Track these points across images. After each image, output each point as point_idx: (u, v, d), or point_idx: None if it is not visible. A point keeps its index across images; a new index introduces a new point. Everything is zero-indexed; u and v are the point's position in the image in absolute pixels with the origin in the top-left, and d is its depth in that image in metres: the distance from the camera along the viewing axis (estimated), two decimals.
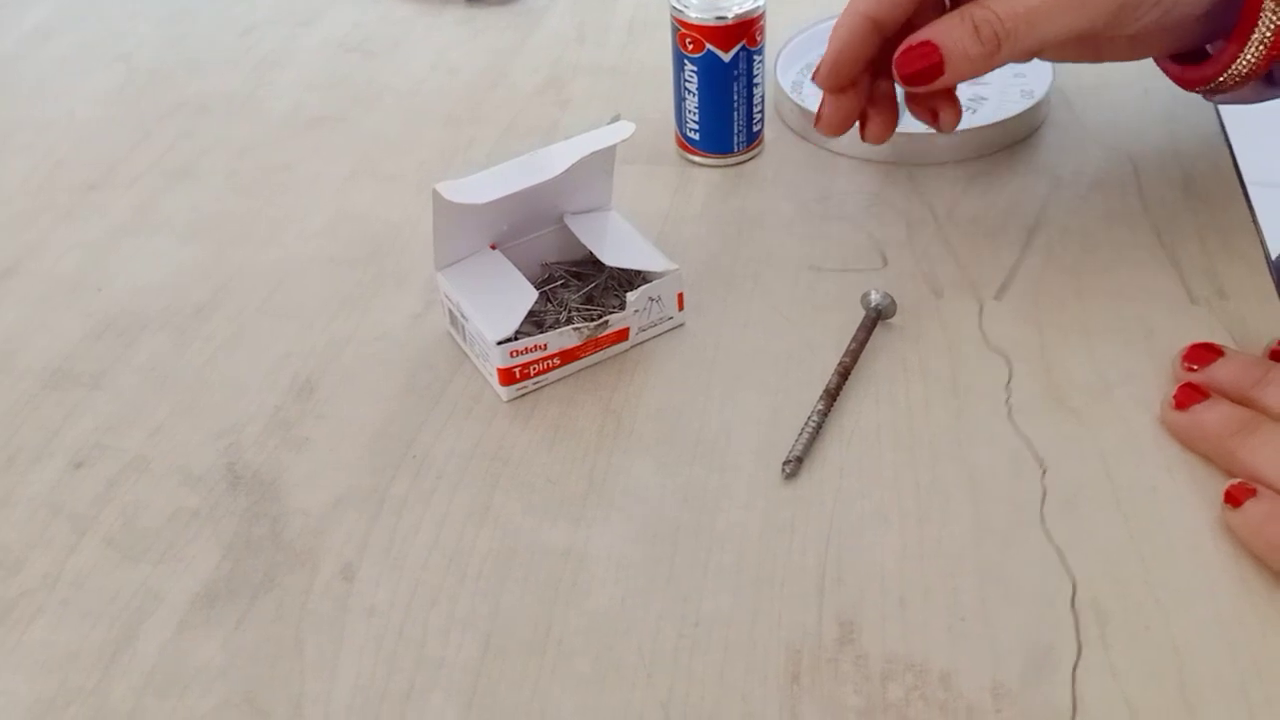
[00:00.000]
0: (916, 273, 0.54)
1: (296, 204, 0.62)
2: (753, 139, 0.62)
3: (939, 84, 0.50)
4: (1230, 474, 0.43)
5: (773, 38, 0.62)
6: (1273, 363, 0.46)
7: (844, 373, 0.48)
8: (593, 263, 0.53)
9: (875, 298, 0.51)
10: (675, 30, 0.58)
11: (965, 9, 0.49)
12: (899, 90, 0.55)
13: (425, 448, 0.47)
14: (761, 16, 0.58)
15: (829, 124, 0.54)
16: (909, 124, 0.56)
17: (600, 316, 0.50)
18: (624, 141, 0.50)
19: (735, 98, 0.60)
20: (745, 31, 0.58)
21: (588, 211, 0.53)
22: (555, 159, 0.49)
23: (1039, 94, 0.62)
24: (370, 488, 0.46)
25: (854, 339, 0.50)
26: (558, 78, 0.71)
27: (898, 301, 0.51)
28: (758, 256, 0.56)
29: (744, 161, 0.62)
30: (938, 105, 0.54)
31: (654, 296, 0.51)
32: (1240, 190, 0.57)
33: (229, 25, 0.79)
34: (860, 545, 0.42)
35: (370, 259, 0.58)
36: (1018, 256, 0.55)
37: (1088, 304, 0.51)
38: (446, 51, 0.75)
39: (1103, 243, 0.55)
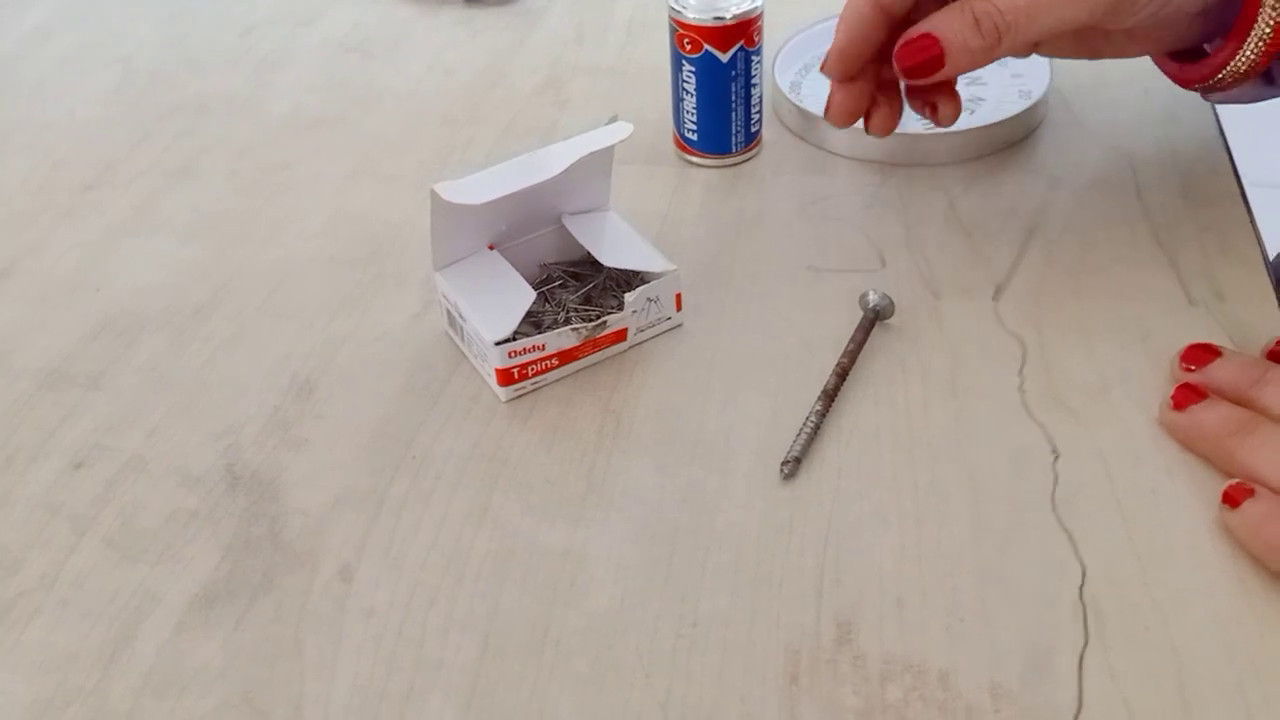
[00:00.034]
0: (914, 273, 0.54)
1: (296, 204, 0.62)
2: (751, 139, 0.62)
3: (939, 76, 0.50)
4: (1228, 474, 0.43)
5: (770, 38, 0.62)
6: (1271, 363, 0.46)
7: (842, 373, 0.48)
8: (591, 263, 0.53)
9: (873, 298, 0.51)
10: (673, 31, 0.58)
11: (965, 1, 0.49)
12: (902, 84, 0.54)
13: (424, 448, 0.47)
14: (759, 17, 0.58)
15: (838, 114, 0.54)
16: (907, 124, 0.56)
17: (598, 317, 0.50)
18: (622, 142, 0.50)
19: (733, 98, 0.60)
20: (743, 32, 0.58)
21: (586, 212, 0.53)
22: (553, 159, 0.50)
23: (1037, 94, 0.62)
24: (369, 488, 0.46)
25: (852, 339, 0.50)
26: (556, 78, 0.71)
27: (896, 302, 0.51)
28: (756, 257, 0.56)
29: (742, 162, 0.62)
30: (937, 99, 0.53)
31: (652, 297, 0.51)
32: (1238, 191, 0.57)
33: (229, 25, 0.79)
34: (859, 546, 0.43)
35: (369, 259, 0.58)
36: (1016, 257, 0.55)
37: (1086, 304, 0.52)
38: (445, 52, 0.75)
39: (1101, 243, 0.55)
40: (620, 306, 0.51)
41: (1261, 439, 0.42)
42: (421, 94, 0.71)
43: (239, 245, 0.59)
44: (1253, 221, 0.55)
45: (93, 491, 0.47)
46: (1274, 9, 0.47)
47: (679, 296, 0.52)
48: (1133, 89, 0.65)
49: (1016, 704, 0.37)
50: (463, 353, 0.52)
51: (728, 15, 0.57)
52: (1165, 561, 0.41)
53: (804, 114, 0.63)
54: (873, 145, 0.61)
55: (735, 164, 0.62)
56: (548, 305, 0.51)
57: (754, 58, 0.59)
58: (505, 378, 0.48)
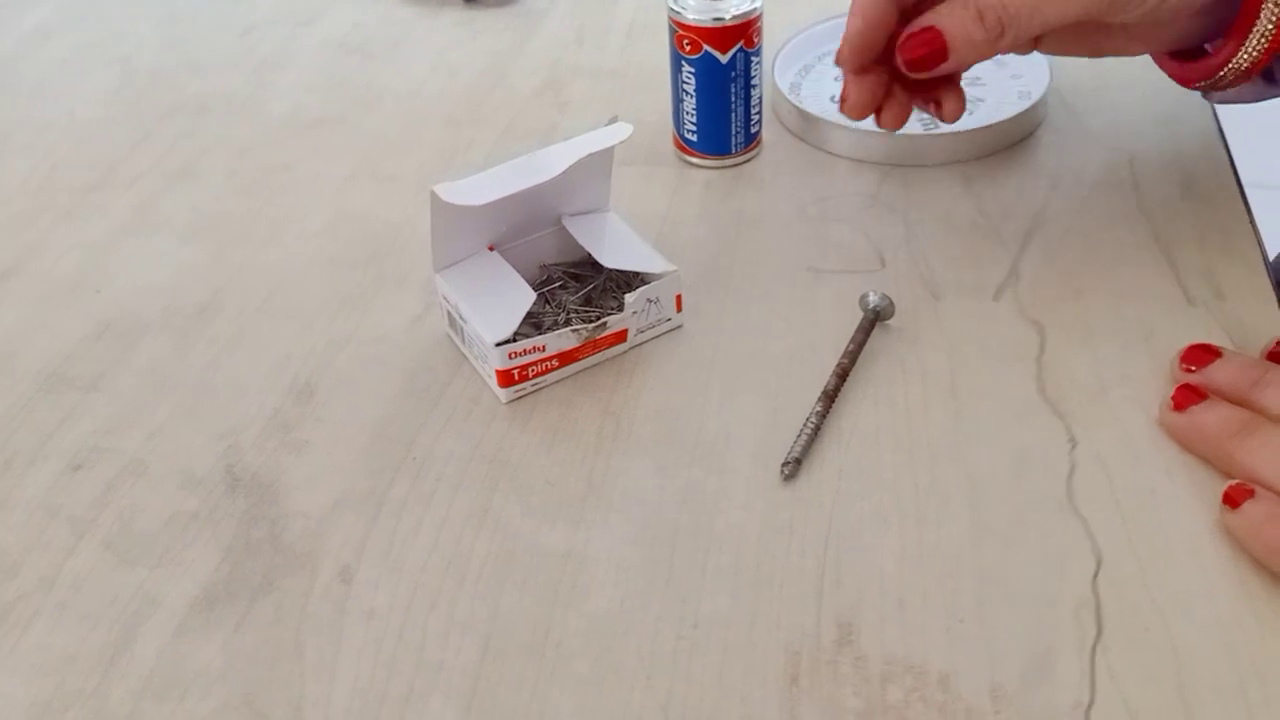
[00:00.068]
0: (914, 274, 0.54)
1: (296, 205, 0.62)
2: (750, 140, 0.62)
3: (943, 70, 0.50)
4: (1229, 475, 0.43)
5: (770, 39, 0.62)
6: (1271, 364, 0.46)
7: (842, 374, 0.48)
8: (591, 264, 0.53)
9: (873, 299, 0.51)
10: (673, 32, 0.58)
11: None
12: None
13: (424, 450, 0.47)
14: (759, 18, 0.58)
15: (855, 106, 0.53)
16: (907, 125, 0.56)
17: (599, 318, 0.50)
18: (622, 143, 0.50)
19: (733, 99, 0.60)
20: (743, 33, 0.58)
21: (586, 213, 0.53)
22: (553, 160, 0.50)
23: (1036, 95, 0.62)
24: (369, 490, 0.46)
25: (852, 340, 0.50)
26: (556, 80, 0.71)
27: (896, 303, 0.51)
28: (756, 258, 0.56)
29: (742, 163, 0.62)
30: (942, 94, 0.53)
31: (652, 298, 0.51)
32: (1238, 191, 0.57)
33: (229, 26, 0.79)
34: (859, 547, 0.43)
35: (370, 260, 0.58)
36: (1016, 258, 0.55)
37: (1086, 305, 0.51)
38: (446, 53, 0.75)
39: (1101, 244, 0.55)
40: (620, 308, 0.51)
41: (1261, 440, 0.42)
42: (422, 95, 0.71)
43: (239, 246, 0.59)
44: (1253, 222, 0.55)
45: (92, 494, 0.47)
46: (1276, 5, 0.47)
47: (679, 298, 0.52)
48: (1133, 90, 0.65)
49: (1016, 705, 0.37)
50: (463, 354, 0.52)
51: (727, 16, 0.57)
52: (1165, 562, 0.41)
53: (803, 115, 0.63)
54: (873, 146, 0.61)
55: (735, 165, 0.62)
56: (548, 306, 0.51)
57: (753, 59, 0.59)
58: (506, 379, 0.48)
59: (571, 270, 0.53)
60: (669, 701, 0.38)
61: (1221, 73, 0.50)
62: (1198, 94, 0.54)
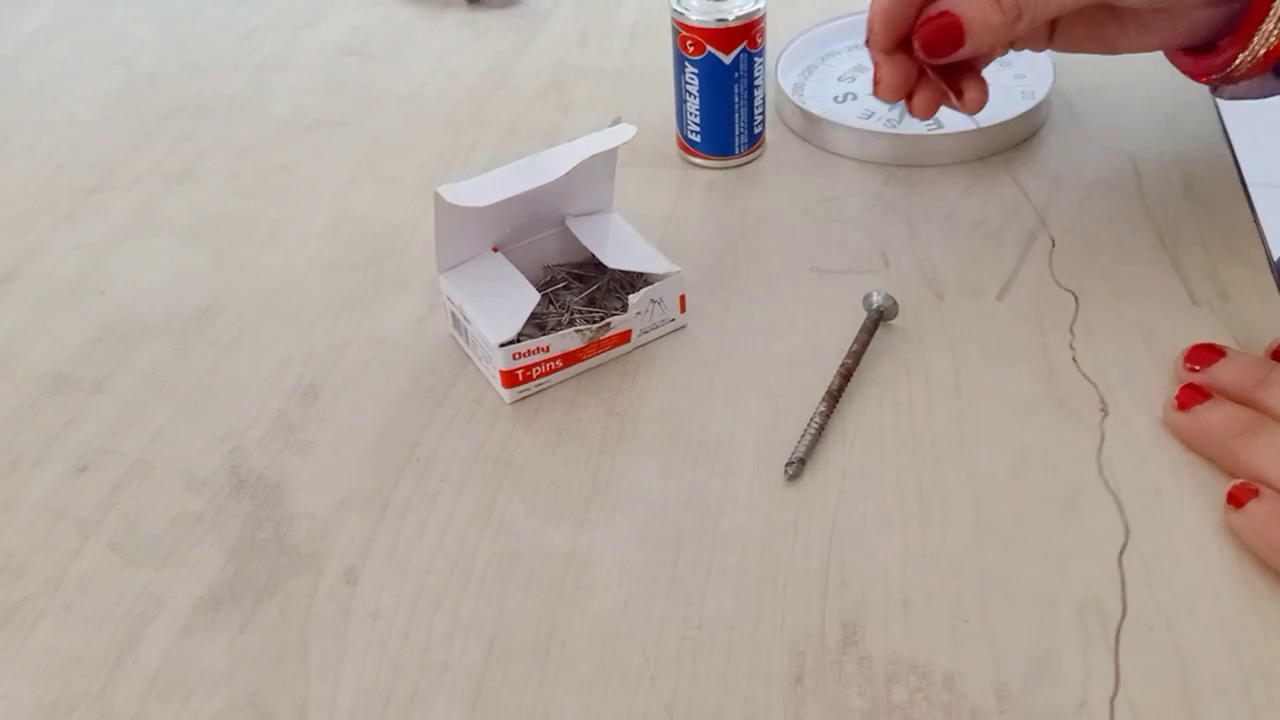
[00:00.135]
0: (918, 274, 0.54)
1: (297, 206, 0.62)
2: (754, 141, 0.62)
3: (960, 54, 0.49)
4: (1233, 475, 0.43)
5: (773, 40, 0.62)
6: (1275, 363, 0.45)
7: (846, 374, 0.48)
8: (595, 265, 0.53)
9: (877, 299, 0.51)
10: (676, 33, 0.58)
11: None
12: None
13: (428, 451, 0.47)
14: (762, 19, 0.58)
15: (889, 88, 0.52)
16: (909, 125, 0.56)
17: (602, 319, 0.50)
18: (625, 144, 0.50)
19: (736, 100, 0.60)
20: (746, 34, 0.58)
21: (589, 214, 0.53)
22: (557, 162, 0.50)
23: (1040, 95, 0.62)
24: (374, 491, 0.46)
25: (856, 340, 0.50)
26: (560, 81, 0.71)
27: (900, 303, 0.51)
28: (759, 258, 0.56)
29: (745, 164, 0.62)
30: (963, 82, 0.52)
31: (656, 298, 0.51)
32: (1242, 191, 0.57)
33: (229, 28, 0.79)
34: (863, 547, 0.43)
35: (371, 262, 0.58)
36: (1019, 258, 0.55)
37: (1089, 305, 0.51)
38: (448, 54, 0.75)
39: (1104, 244, 0.55)
40: (624, 308, 0.51)
41: (1266, 439, 0.42)
42: (423, 96, 0.71)
43: (240, 248, 0.59)
44: (1256, 222, 0.55)
45: (97, 495, 0.47)
46: None
47: (683, 298, 0.52)
48: (1136, 90, 0.65)
49: (1021, 705, 0.37)
50: (467, 355, 0.52)
51: (730, 17, 0.57)
52: (1169, 562, 0.41)
53: (807, 115, 0.63)
54: (876, 147, 0.61)
55: (738, 165, 0.62)
56: (552, 307, 0.51)
57: (757, 59, 0.59)
58: (510, 379, 0.48)
59: (575, 271, 0.53)
60: (674, 702, 0.38)
61: (1236, 62, 0.50)
62: (1202, 94, 0.54)
